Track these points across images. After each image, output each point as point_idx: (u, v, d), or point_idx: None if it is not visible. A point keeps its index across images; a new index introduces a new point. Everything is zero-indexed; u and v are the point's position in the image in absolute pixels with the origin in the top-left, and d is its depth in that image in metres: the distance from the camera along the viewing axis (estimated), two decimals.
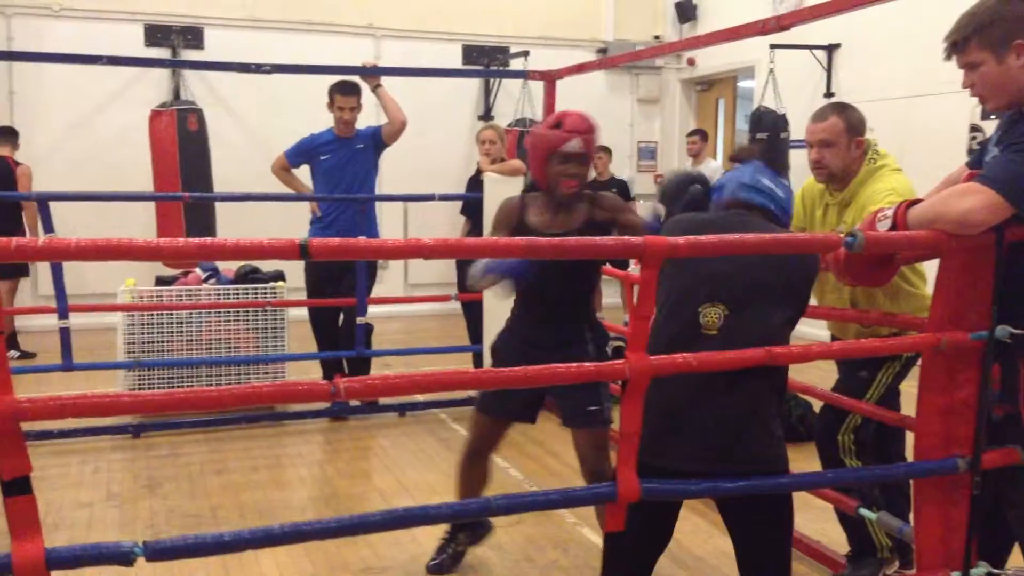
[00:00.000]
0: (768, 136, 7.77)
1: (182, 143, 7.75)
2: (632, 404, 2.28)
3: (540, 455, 5.03)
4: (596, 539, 3.79)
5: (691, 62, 10.18)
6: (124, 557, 2.02)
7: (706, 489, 2.52)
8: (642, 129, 10.61)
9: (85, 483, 4.44)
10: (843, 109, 3.25)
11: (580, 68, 6.02)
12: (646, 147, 10.63)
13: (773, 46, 7.67)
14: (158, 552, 2.05)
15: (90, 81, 8.10)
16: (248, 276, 5.93)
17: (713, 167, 8.60)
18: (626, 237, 2.30)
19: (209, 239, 2.18)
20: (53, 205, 5.03)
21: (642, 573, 2.61)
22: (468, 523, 3.54)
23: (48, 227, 4.86)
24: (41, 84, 8.26)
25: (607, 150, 8.72)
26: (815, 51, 7.97)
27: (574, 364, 2.31)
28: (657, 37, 10.26)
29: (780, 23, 3.76)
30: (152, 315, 5.50)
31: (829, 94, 7.91)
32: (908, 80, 6.98)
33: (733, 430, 2.43)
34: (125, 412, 2.16)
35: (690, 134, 8.76)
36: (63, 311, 4.86)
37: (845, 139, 3.17)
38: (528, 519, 3.96)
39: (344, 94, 5.58)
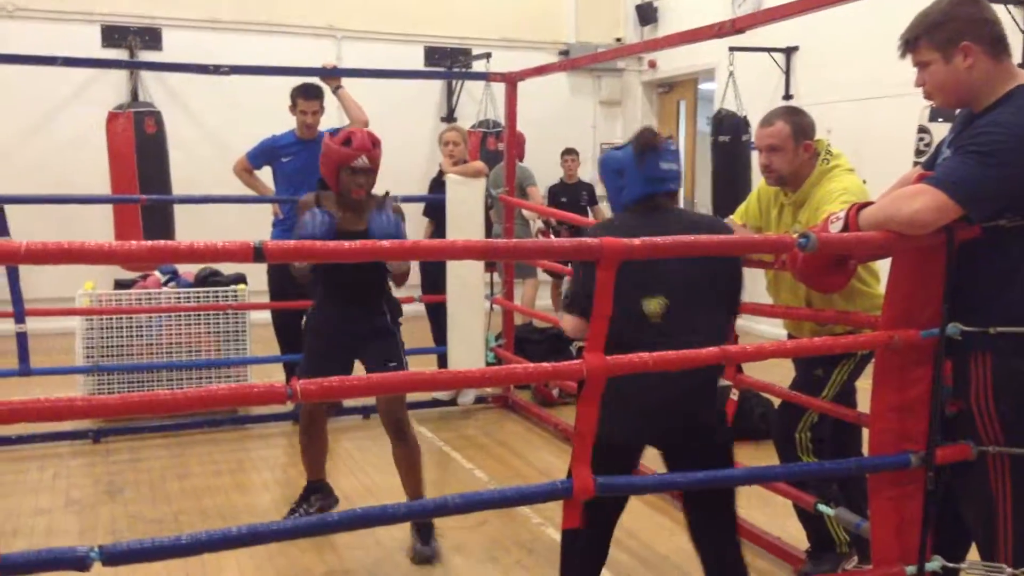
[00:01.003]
0: (730, 139, 7.85)
1: (140, 146, 7.64)
2: (589, 404, 2.30)
3: (505, 456, 5.04)
4: (556, 536, 3.80)
5: (652, 64, 10.25)
6: (80, 562, 2.00)
7: (659, 483, 2.55)
8: (604, 131, 10.66)
9: (44, 489, 4.38)
10: (790, 114, 3.31)
11: (541, 70, 6.04)
12: (609, 149, 10.68)
13: (732, 48, 7.76)
14: (115, 556, 2.03)
15: (46, 83, 7.97)
16: (208, 279, 5.87)
17: None
18: (583, 239, 2.31)
19: (162, 242, 2.16)
20: (9, 210, 4.94)
21: (599, 559, 2.85)
22: (320, 486, 3.99)
23: (2, 231, 4.78)
24: None
25: (576, 152, 8.75)
26: (773, 54, 8.07)
27: (531, 365, 2.33)
28: (619, 39, 10.32)
29: (735, 26, 3.80)
30: (111, 319, 5.43)
31: (788, 96, 8.01)
32: (864, 83, 7.08)
33: (686, 407, 2.67)
34: (80, 416, 2.14)
35: (566, 152, 8.81)
36: (19, 315, 4.79)
37: (792, 144, 3.24)
38: (493, 520, 3.97)
39: (307, 98, 5.55)
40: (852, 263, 2.66)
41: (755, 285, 3.98)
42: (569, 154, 8.73)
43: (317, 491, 3.98)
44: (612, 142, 10.66)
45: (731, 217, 3.62)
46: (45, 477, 4.56)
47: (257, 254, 2.14)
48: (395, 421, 3.64)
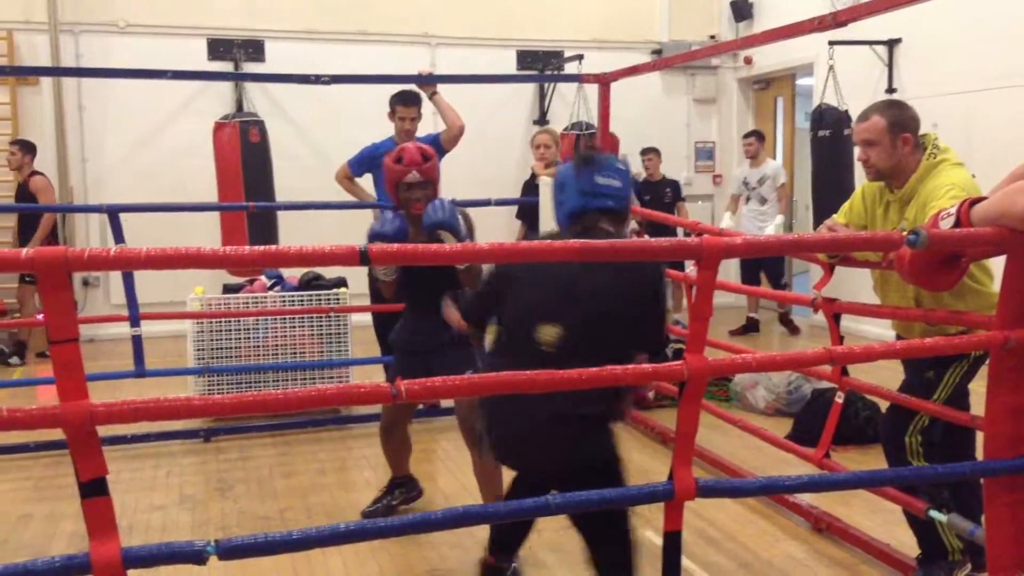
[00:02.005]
0: (830, 134, 7.66)
1: (245, 154, 7.92)
2: (690, 405, 2.28)
3: None
4: (659, 540, 3.77)
5: (748, 61, 10.08)
6: (197, 555, 2.09)
7: (762, 487, 2.51)
8: (699, 129, 10.53)
9: (158, 486, 4.57)
10: (887, 108, 3.22)
11: (634, 70, 6.00)
12: (703, 147, 10.55)
13: (832, 43, 7.57)
14: (229, 551, 2.11)
15: (156, 95, 8.33)
16: (312, 283, 6.04)
17: (773, 167, 8.51)
18: (683, 239, 2.30)
19: (273, 246, 2.23)
20: (122, 217, 5.18)
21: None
22: (404, 481, 4.14)
23: (119, 238, 5.01)
24: (109, 99, 8.51)
25: (656, 151, 8.68)
26: (875, 46, 7.83)
27: (631, 366, 2.32)
28: (713, 36, 10.18)
29: (837, 19, 3.71)
30: (220, 322, 5.63)
31: (891, 90, 7.77)
32: (971, 74, 6.81)
33: (537, 442, 2.62)
34: (196, 415, 2.23)
35: (746, 136, 8.68)
36: (135, 319, 5.01)
37: (888, 138, 3.15)
38: None
39: (405, 104, 5.65)
40: (964, 261, 2.57)
41: (861, 286, 3.89)
42: (649, 152, 8.68)
43: (401, 485, 4.16)
44: (707, 140, 10.54)
45: (834, 216, 3.53)
46: (159, 475, 4.76)
47: (363, 257, 2.20)
48: (470, 430, 3.65)
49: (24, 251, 1.98)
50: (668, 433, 5.15)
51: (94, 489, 2.06)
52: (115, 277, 7.86)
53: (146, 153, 8.61)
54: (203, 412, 2.23)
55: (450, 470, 4.83)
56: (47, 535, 3.94)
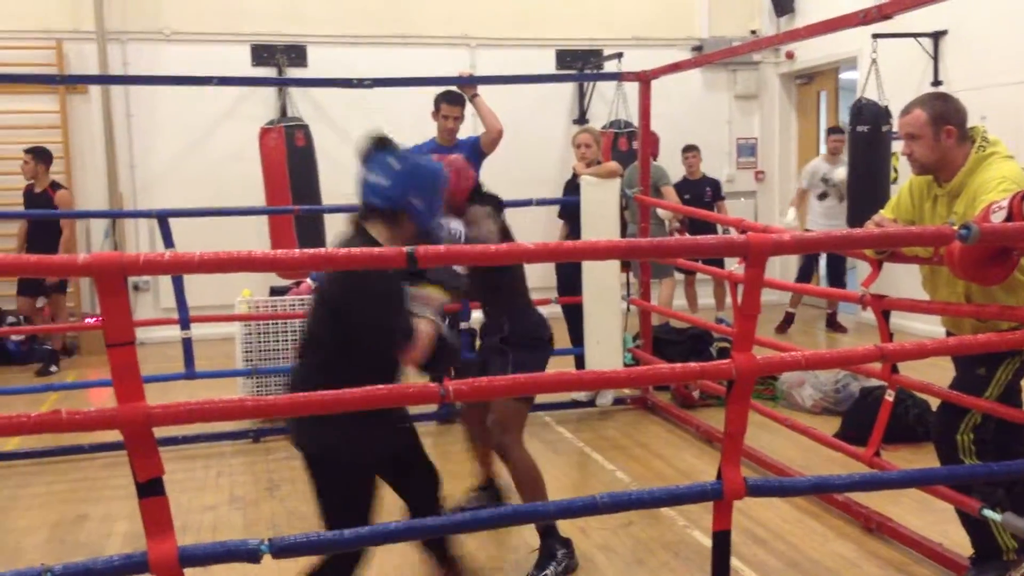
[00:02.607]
0: (868, 129, 7.55)
1: (291, 158, 8.02)
2: (739, 403, 2.27)
3: (646, 458, 5.01)
4: (707, 541, 3.76)
5: (790, 55, 9.97)
6: (252, 554, 2.13)
7: (813, 486, 2.49)
8: (741, 125, 10.44)
9: (209, 487, 4.64)
10: (930, 100, 3.18)
11: (675, 67, 5.97)
12: (745, 144, 10.46)
13: (875, 35, 7.46)
14: (283, 549, 2.15)
15: (202, 102, 8.46)
16: None
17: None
18: (730, 236, 2.29)
19: (322, 250, 2.27)
20: (171, 222, 5.28)
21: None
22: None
23: (168, 243, 5.10)
24: (156, 106, 8.66)
25: (696, 148, 8.61)
26: (920, 39, 7.71)
27: (678, 365, 2.32)
28: (754, 32, 10.09)
29: (882, 12, 3.66)
30: (267, 324, 5.71)
31: (937, 83, 7.64)
32: (1021, 65, 6.68)
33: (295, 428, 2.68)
34: (249, 416, 2.28)
35: (834, 131, 8.46)
36: (185, 322, 5.10)
37: (930, 131, 3.11)
38: (638, 521, 3.96)
39: (450, 103, 5.69)
40: (1015, 254, 2.53)
41: (909, 282, 3.83)
42: (690, 151, 8.59)
43: (484, 489, 4.14)
44: (749, 137, 10.45)
45: (881, 211, 3.49)
46: (210, 475, 4.83)
47: (410, 260, 2.23)
48: (497, 446, 3.67)
49: (81, 257, 2.03)
50: (714, 432, 5.12)
51: (151, 489, 2.11)
52: (164, 281, 7.99)
53: (193, 159, 8.75)
54: (256, 413, 2.28)
55: (496, 470, 4.83)
56: (103, 535, 4.03)
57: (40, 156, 7.61)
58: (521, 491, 3.62)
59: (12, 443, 5.23)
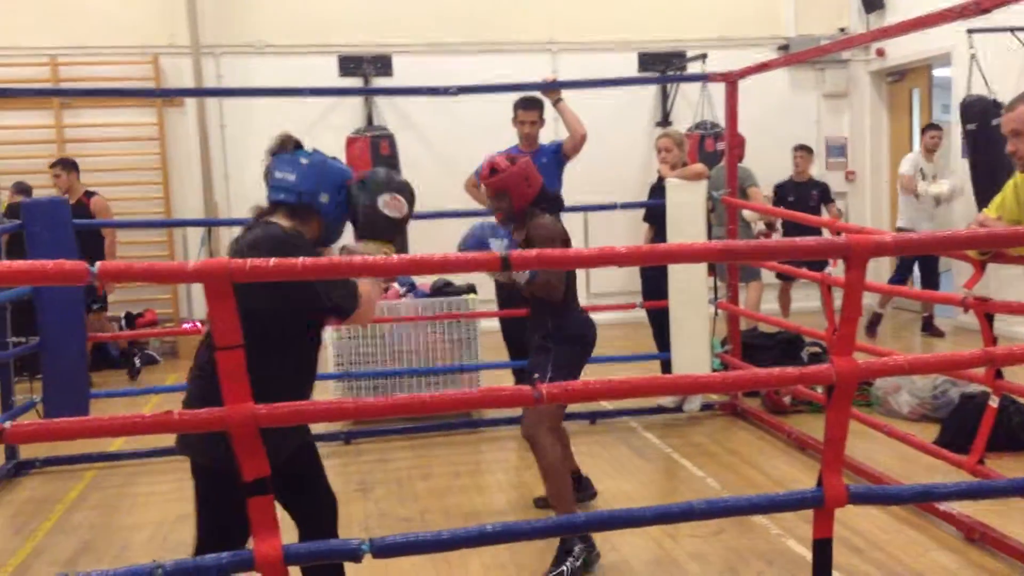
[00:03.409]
0: (976, 126, 7.30)
1: (376, 167, 8.15)
2: (840, 409, 2.23)
3: (737, 464, 4.94)
4: (801, 551, 3.69)
5: (880, 53, 9.71)
6: (353, 553, 2.18)
7: (915, 494, 2.42)
8: (829, 125, 10.23)
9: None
10: None
11: (763, 67, 5.87)
12: (834, 144, 10.23)
13: (971, 31, 7.22)
14: (383, 549, 2.20)
15: (291, 112, 8.63)
16: (442, 289, 6.17)
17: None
18: (829, 238, 2.25)
19: (418, 255, 2.30)
20: None
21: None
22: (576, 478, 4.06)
23: None
24: (248, 118, 8.92)
25: (808, 149, 8.41)
26: (1017, 33, 7.42)
27: (776, 369, 2.28)
28: (842, 30, 9.87)
29: (981, 6, 3.53)
30: (358, 329, 5.82)
31: None
32: None
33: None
34: (348, 417, 2.33)
35: (931, 128, 8.25)
36: None
37: None
38: (730, 530, 3.90)
39: (526, 108, 5.72)
40: None
41: (1012, 284, 3.70)
42: (800, 150, 8.35)
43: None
44: (839, 136, 10.22)
45: (985, 211, 3.38)
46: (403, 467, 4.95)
47: (504, 263, 2.25)
48: (526, 436, 3.70)
49: (190, 264, 2.11)
50: (806, 439, 5.02)
51: (257, 488, 2.17)
52: None
53: None
54: (355, 414, 2.33)
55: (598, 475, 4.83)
56: None
57: (70, 166, 7.52)
58: (547, 482, 3.65)
59: (117, 444, 5.45)
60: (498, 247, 3.49)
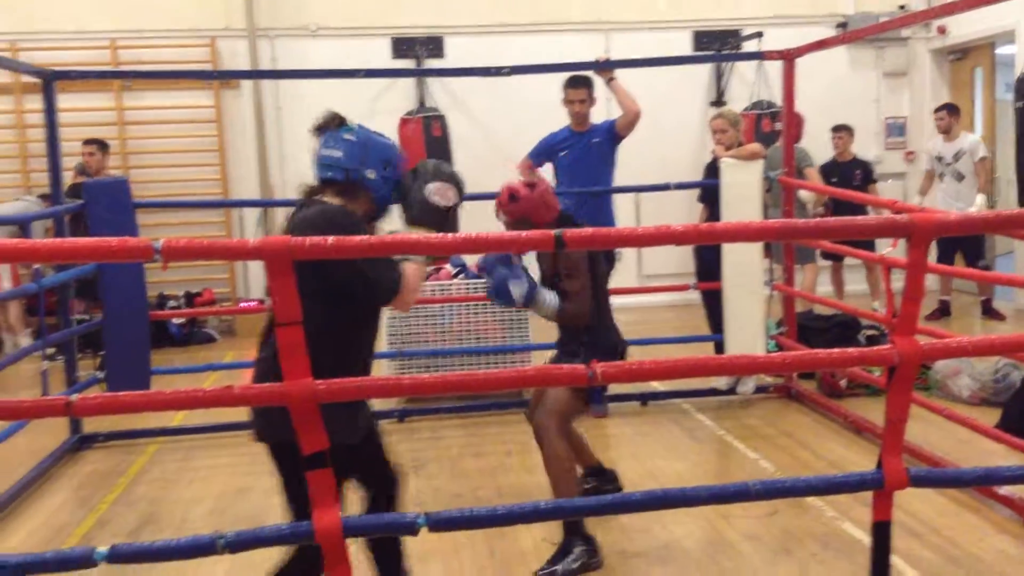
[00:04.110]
0: None
1: (428, 148, 8.21)
2: (901, 391, 2.19)
3: (791, 447, 4.89)
4: (858, 533, 3.65)
5: (941, 30, 9.46)
6: (410, 526, 2.22)
7: (978, 478, 2.38)
8: (889, 104, 10.00)
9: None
10: None
11: (821, 44, 5.76)
12: (894, 123, 10.01)
13: None
14: (439, 523, 2.23)
15: (345, 94, 8.66)
16: None
17: (970, 141, 7.98)
18: (892, 216, 2.21)
19: (473, 233, 2.32)
20: None
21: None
22: (593, 471, 4.03)
23: None
24: (302, 100, 8.98)
25: (848, 129, 8.27)
26: None
27: (836, 350, 2.25)
28: (902, 7, 9.62)
29: None
30: (411, 308, 5.87)
31: None
32: None
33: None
34: (405, 393, 2.36)
35: (937, 109, 8.16)
36: None
37: None
38: (784, 512, 3.87)
39: (574, 87, 5.70)
40: None
41: None
42: (840, 131, 8.23)
43: (592, 475, 4.08)
44: (898, 116, 10.01)
45: None
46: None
47: (558, 242, 2.26)
48: (535, 427, 3.61)
49: (252, 241, 2.15)
50: (863, 422, 4.95)
51: (316, 462, 2.21)
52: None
53: None
54: (412, 391, 2.35)
55: (633, 455, 4.84)
56: (263, 507, 4.24)
57: (104, 146, 7.43)
58: (550, 478, 3.52)
59: (177, 419, 5.58)
60: (518, 290, 3.36)
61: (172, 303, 8.59)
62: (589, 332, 3.69)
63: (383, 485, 2.79)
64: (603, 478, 4.09)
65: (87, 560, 2.20)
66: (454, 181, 2.78)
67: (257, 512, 4.17)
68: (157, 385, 5.36)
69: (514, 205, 3.59)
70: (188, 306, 8.56)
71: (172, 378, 6.14)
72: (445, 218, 2.73)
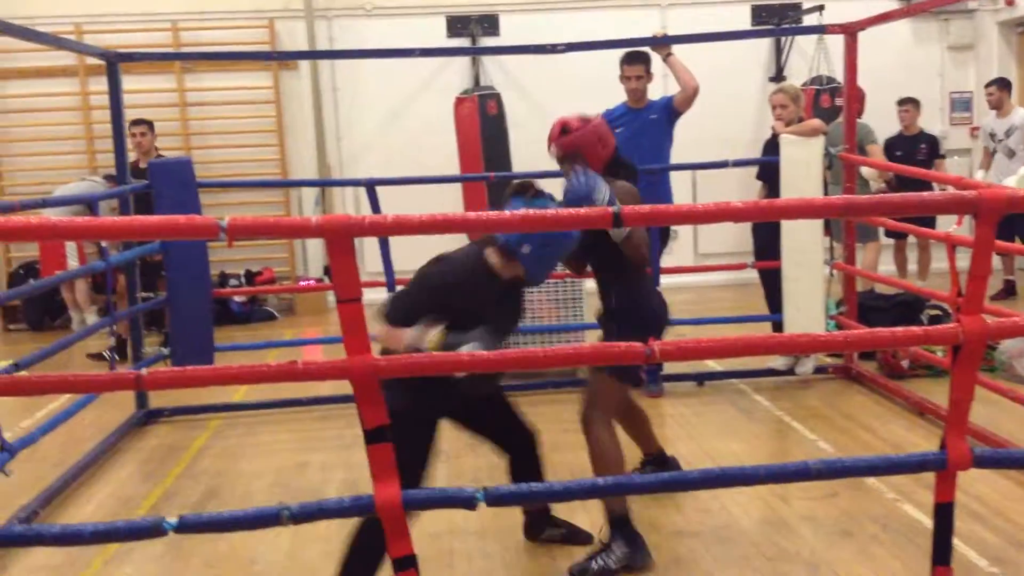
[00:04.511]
0: None
1: (483, 127, 8.21)
2: (967, 370, 2.15)
3: (851, 428, 4.83)
4: (918, 515, 3.60)
5: (1010, 2, 9.17)
6: (468, 501, 2.24)
7: None
8: (954, 79, 9.74)
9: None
10: None
11: (885, 17, 5.62)
12: (959, 98, 9.74)
13: None
14: (497, 498, 2.25)
15: (400, 74, 8.79)
16: None
17: (1021, 116, 7.75)
18: (957, 192, 2.16)
19: (531, 210, 2.32)
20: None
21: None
22: (653, 459, 3.98)
23: (375, 209, 5.36)
24: (359, 80, 9.07)
25: (914, 102, 8.08)
26: None
27: (899, 328, 2.22)
28: None
29: None
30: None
31: None
32: None
33: None
34: (464, 370, 2.37)
35: (988, 84, 7.93)
36: (391, 285, 5.35)
37: None
38: (844, 492, 3.83)
39: (630, 63, 5.65)
40: None
41: None
42: (906, 104, 8.03)
43: (650, 463, 4.01)
44: (963, 90, 9.74)
45: None
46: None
47: (616, 219, 2.25)
48: (582, 416, 3.45)
49: (313, 219, 2.18)
50: (925, 404, 4.86)
51: (377, 436, 2.25)
52: (371, 246, 8.38)
53: (393, 129, 9.10)
54: (470, 367, 2.36)
55: (689, 435, 4.82)
56: (322, 481, 4.33)
57: (151, 126, 7.27)
58: (595, 470, 3.33)
59: (239, 395, 5.70)
60: (600, 195, 3.15)
61: (233, 281, 8.77)
62: (620, 293, 3.47)
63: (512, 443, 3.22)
64: (664, 466, 3.98)
65: (157, 529, 2.28)
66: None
67: (316, 486, 4.26)
68: (220, 362, 5.48)
69: (566, 138, 3.42)
70: (249, 284, 8.72)
71: (234, 355, 6.26)
72: (454, 348, 2.72)
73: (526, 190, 2.94)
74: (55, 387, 2.36)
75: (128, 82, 5.58)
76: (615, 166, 3.51)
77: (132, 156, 6.41)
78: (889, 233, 7.46)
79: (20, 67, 8.81)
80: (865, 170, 6.86)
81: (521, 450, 3.29)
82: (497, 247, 2.89)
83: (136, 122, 7.16)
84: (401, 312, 2.82)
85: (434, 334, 2.67)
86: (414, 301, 2.88)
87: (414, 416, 2.78)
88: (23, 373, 3.76)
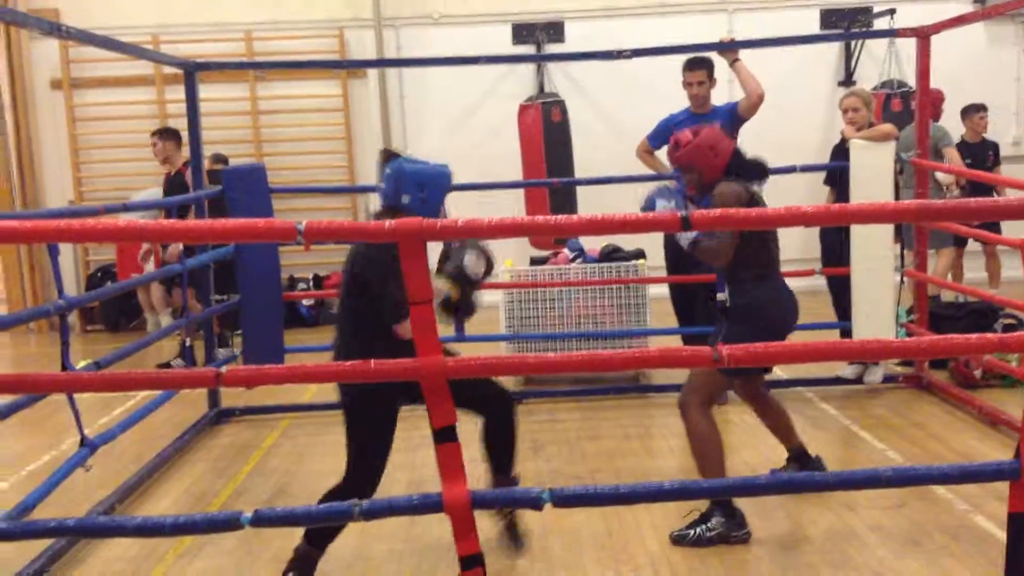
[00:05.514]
0: None
1: (547, 134, 8.25)
2: None
3: (920, 438, 4.74)
4: (990, 527, 3.52)
5: None
6: (535, 501, 2.28)
7: None
8: None
9: (474, 441, 4.84)
10: None
11: (959, 20, 5.51)
12: None
13: None
14: (563, 499, 2.28)
15: (465, 81, 8.87)
16: (611, 255, 6.20)
17: None
18: None
19: (599, 215, 2.34)
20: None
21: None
22: (798, 455, 3.99)
23: (443, 215, 5.42)
24: (425, 88, 9.19)
25: (982, 108, 7.86)
26: None
27: (975, 336, 2.19)
28: None
29: None
30: (528, 292, 5.95)
31: None
32: None
33: None
34: (531, 371, 2.42)
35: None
36: None
37: None
38: (913, 502, 3.77)
39: (692, 69, 5.64)
40: None
41: None
42: (982, 110, 7.81)
43: (794, 459, 4.04)
44: None
45: None
46: (475, 430, 5.08)
47: (684, 223, 2.26)
48: (680, 404, 3.63)
49: (387, 223, 2.24)
50: (999, 414, 4.75)
51: (446, 435, 2.30)
52: (432, 252, 8.48)
53: (458, 136, 9.17)
54: (536, 369, 2.41)
55: (753, 443, 4.78)
56: (388, 481, 4.29)
57: (169, 135, 7.14)
58: (694, 456, 3.58)
59: (308, 395, 5.82)
60: (664, 207, 3.55)
61: (302, 285, 8.94)
62: (732, 288, 3.65)
63: (489, 407, 3.23)
64: (805, 463, 3.99)
65: (234, 523, 2.35)
66: (488, 263, 3.17)
67: (382, 486, 4.31)
68: (289, 363, 5.61)
69: (678, 154, 3.72)
70: (317, 288, 8.89)
71: (303, 356, 6.40)
72: (470, 284, 3.12)
73: (382, 158, 3.30)
74: (141, 383, 2.46)
75: (205, 91, 5.75)
76: (736, 166, 3.70)
77: (206, 164, 6.55)
78: (960, 239, 7.28)
79: (100, 76, 9.13)
80: (940, 175, 6.72)
81: (499, 414, 3.31)
82: (383, 209, 3.19)
83: (155, 133, 7.18)
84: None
85: (440, 284, 3.00)
86: (391, 294, 2.91)
87: (377, 392, 2.96)
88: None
